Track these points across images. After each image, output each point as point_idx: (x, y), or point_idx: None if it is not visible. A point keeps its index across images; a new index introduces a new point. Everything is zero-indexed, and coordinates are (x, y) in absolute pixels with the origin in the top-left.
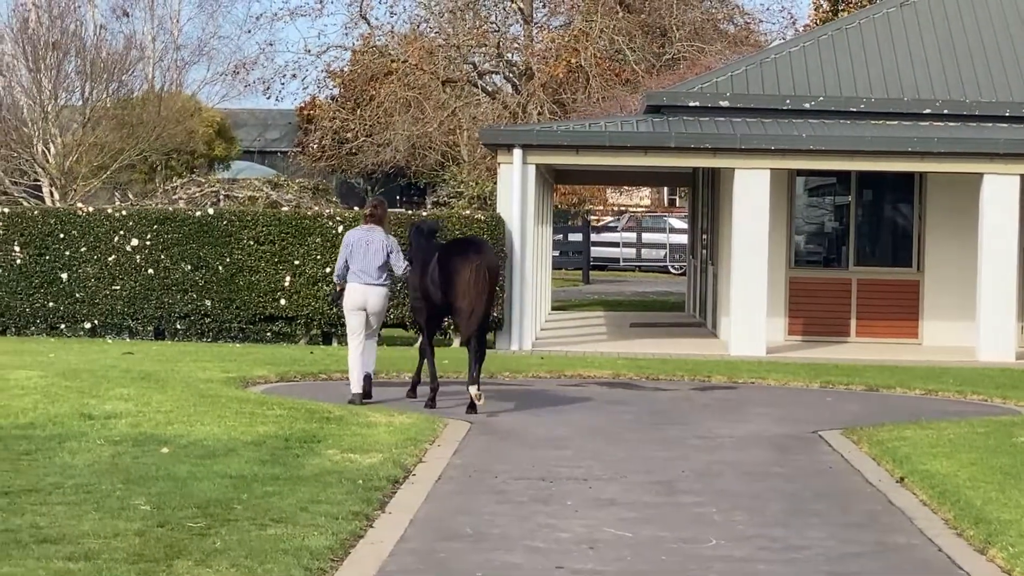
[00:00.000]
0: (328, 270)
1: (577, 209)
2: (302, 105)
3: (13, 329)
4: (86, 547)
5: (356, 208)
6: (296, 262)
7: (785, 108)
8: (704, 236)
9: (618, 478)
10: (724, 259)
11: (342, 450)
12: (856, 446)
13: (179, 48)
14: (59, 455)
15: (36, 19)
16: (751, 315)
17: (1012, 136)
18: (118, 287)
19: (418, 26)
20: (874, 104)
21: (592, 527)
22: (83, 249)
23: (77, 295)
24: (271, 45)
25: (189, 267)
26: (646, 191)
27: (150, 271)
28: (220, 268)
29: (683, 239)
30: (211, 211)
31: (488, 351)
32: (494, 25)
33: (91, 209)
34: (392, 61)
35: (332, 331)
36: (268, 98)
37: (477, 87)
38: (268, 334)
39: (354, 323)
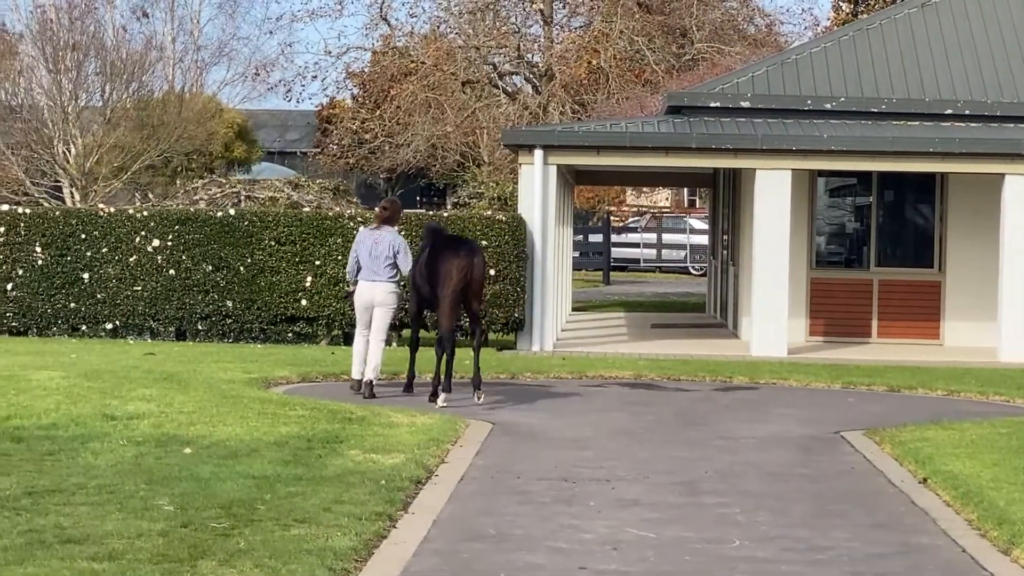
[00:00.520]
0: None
1: (596, 210)
2: (321, 106)
3: (35, 330)
4: (110, 547)
5: (376, 209)
6: (317, 263)
7: (806, 109)
8: (725, 237)
9: (641, 479)
10: (745, 260)
11: (364, 451)
12: (878, 447)
13: (199, 49)
14: (82, 455)
15: (56, 20)
16: (772, 316)
17: None
18: (139, 288)
19: (438, 27)
20: (895, 105)
21: (615, 528)
22: (104, 250)
23: (98, 296)
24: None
25: (210, 268)
26: (666, 192)
27: (171, 272)
28: (241, 269)
29: (703, 240)
30: (232, 212)
31: (509, 352)
32: (514, 26)
33: (113, 210)
34: (412, 62)
35: (353, 332)
36: (289, 101)
37: (497, 88)
38: (289, 335)
39: (362, 319)
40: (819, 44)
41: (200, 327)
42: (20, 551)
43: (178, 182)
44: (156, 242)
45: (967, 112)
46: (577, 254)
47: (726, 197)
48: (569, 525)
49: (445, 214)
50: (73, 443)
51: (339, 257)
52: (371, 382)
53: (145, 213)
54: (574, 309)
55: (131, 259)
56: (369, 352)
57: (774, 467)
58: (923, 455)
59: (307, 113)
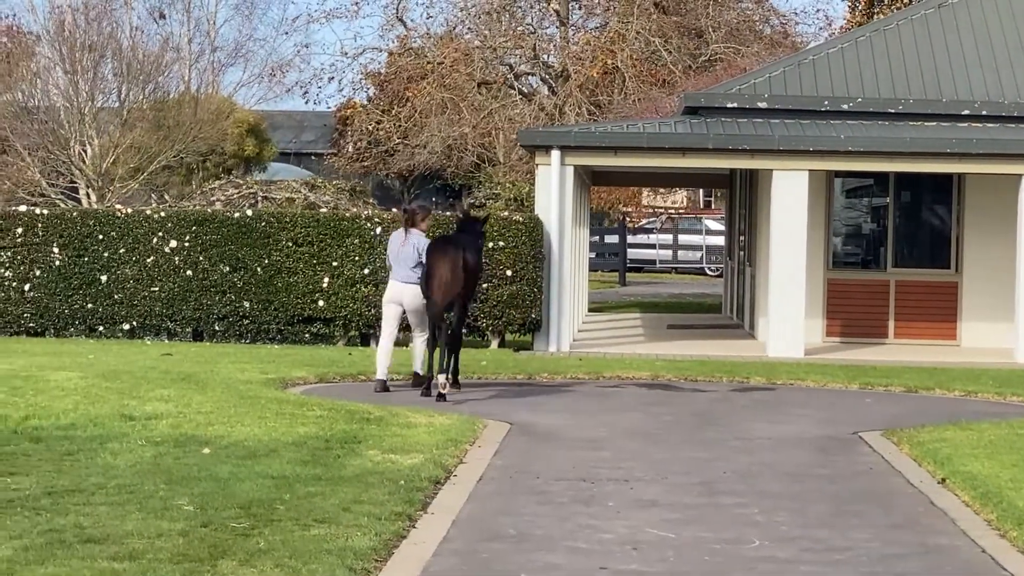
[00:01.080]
0: (366, 271)
1: (610, 210)
2: (339, 107)
3: (52, 330)
4: (130, 547)
5: (393, 209)
6: (334, 263)
7: (823, 109)
8: (742, 238)
9: (659, 479)
10: (762, 260)
11: (383, 451)
12: (896, 447)
13: (215, 50)
14: (101, 456)
15: (72, 22)
16: (789, 316)
17: None
18: (157, 288)
19: (454, 28)
20: (912, 105)
21: (634, 528)
22: (122, 250)
23: (116, 296)
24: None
25: (228, 268)
26: (682, 193)
27: (189, 272)
28: (258, 270)
29: (719, 241)
30: (249, 213)
31: (526, 352)
32: (530, 27)
33: (130, 211)
34: (428, 63)
35: (370, 332)
36: (306, 102)
37: (513, 89)
38: (306, 335)
39: (388, 314)
40: (836, 44)
41: (217, 328)
42: (41, 551)
43: (194, 183)
44: (173, 243)
45: (984, 113)
46: (593, 255)
47: (743, 198)
48: (588, 525)
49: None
50: (92, 443)
51: (356, 258)
52: (415, 373)
53: (162, 214)
54: (590, 310)
55: (148, 260)
56: (411, 347)
57: (792, 467)
58: (941, 455)
59: (323, 115)
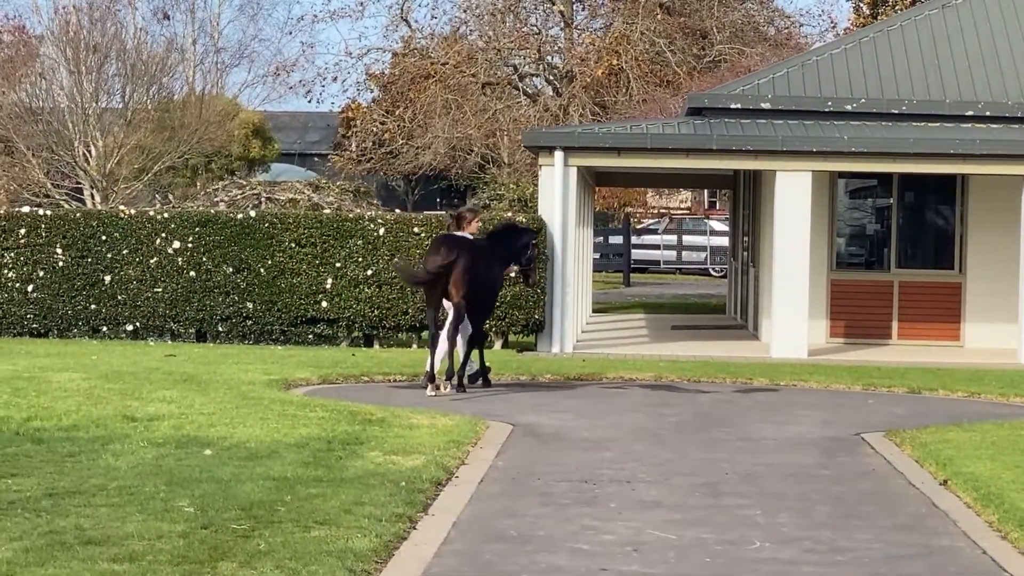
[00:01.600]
0: (369, 272)
1: (615, 211)
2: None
3: (55, 331)
4: (130, 549)
5: (396, 210)
6: (337, 264)
7: (827, 110)
8: (745, 238)
9: (662, 480)
10: (765, 261)
11: (385, 452)
12: (899, 448)
13: (219, 51)
14: (102, 457)
15: (77, 22)
16: (793, 317)
17: None
18: (160, 289)
19: (458, 29)
20: (916, 106)
21: (636, 529)
22: (125, 251)
23: (119, 297)
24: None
25: (231, 269)
26: (686, 193)
27: (192, 273)
28: (262, 270)
29: (724, 242)
30: (253, 214)
31: (530, 353)
32: (535, 28)
33: (133, 211)
34: (432, 63)
35: (374, 333)
36: (309, 102)
37: (518, 90)
38: (310, 336)
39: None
40: (839, 45)
41: (220, 329)
42: (41, 552)
43: (198, 183)
44: (177, 244)
45: (988, 113)
46: (597, 256)
47: (746, 199)
48: (590, 527)
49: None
50: (93, 444)
51: (360, 259)
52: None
53: (166, 215)
54: (594, 311)
55: (152, 261)
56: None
57: (795, 468)
58: (944, 457)
59: (327, 115)
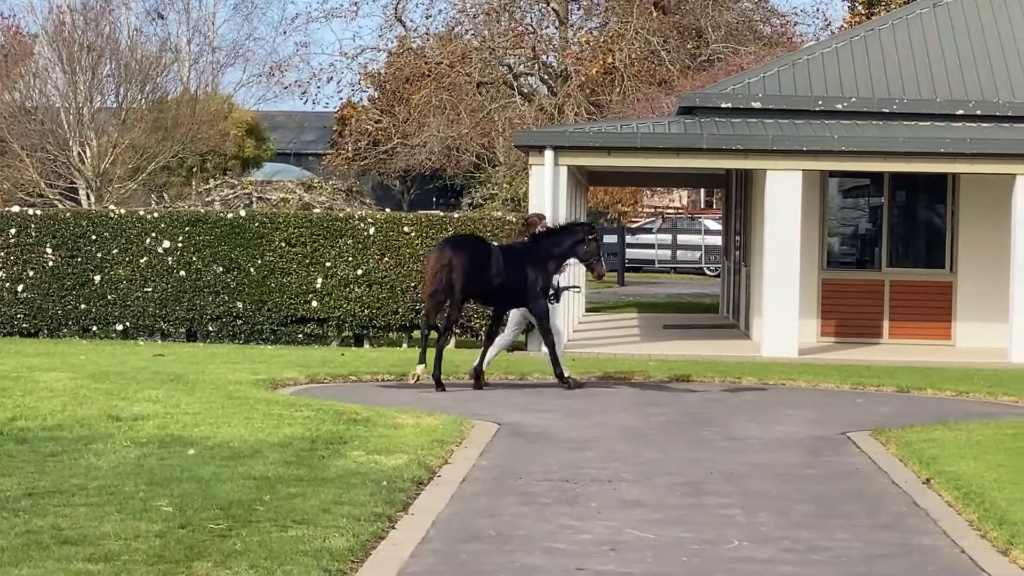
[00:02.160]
0: (359, 272)
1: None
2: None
3: (46, 331)
4: (106, 549)
5: (387, 210)
6: (328, 264)
7: (817, 109)
8: (737, 238)
9: (644, 480)
10: (756, 260)
11: (368, 451)
12: (884, 447)
13: (214, 50)
14: (85, 457)
15: (71, 22)
16: (783, 316)
17: None
18: (150, 289)
19: (453, 28)
20: (906, 105)
21: (615, 529)
22: (115, 251)
23: (109, 297)
24: (306, 47)
25: (221, 269)
26: (684, 193)
27: (182, 273)
28: (252, 270)
29: (718, 241)
30: (243, 213)
31: (520, 353)
32: (529, 27)
33: (123, 211)
34: (427, 63)
35: (364, 333)
36: (305, 103)
37: (513, 89)
38: (300, 336)
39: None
40: (830, 44)
41: (210, 328)
42: (16, 552)
43: (193, 183)
44: (167, 243)
45: (978, 112)
46: None
47: (739, 198)
48: (569, 526)
49: (456, 215)
50: (76, 444)
51: (349, 259)
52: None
53: (155, 214)
54: (588, 310)
55: (142, 260)
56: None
57: (779, 468)
58: (928, 456)
59: (323, 115)
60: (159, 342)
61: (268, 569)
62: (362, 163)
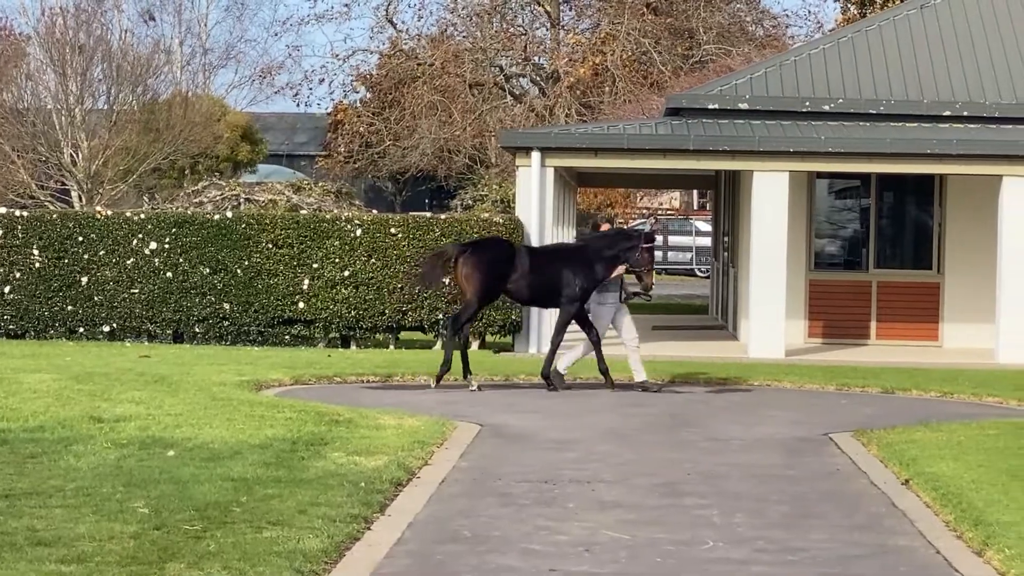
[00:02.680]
0: (346, 273)
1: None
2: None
3: (32, 333)
4: (79, 550)
5: (375, 212)
6: (315, 265)
7: (804, 110)
8: (726, 239)
9: (622, 480)
10: (744, 261)
11: (348, 453)
12: (865, 448)
13: (206, 52)
14: (64, 458)
15: (63, 24)
16: (770, 317)
17: None
18: (137, 290)
19: (445, 30)
20: (894, 106)
21: (591, 530)
22: (102, 253)
23: (96, 298)
24: (298, 49)
25: (208, 270)
26: (676, 194)
27: (169, 274)
28: (239, 271)
29: (709, 242)
30: (229, 215)
31: (506, 354)
32: (521, 28)
33: (110, 213)
34: (419, 65)
35: (351, 334)
36: (297, 104)
37: (504, 90)
38: (287, 337)
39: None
40: (818, 45)
41: (197, 330)
42: None
43: (185, 184)
44: (153, 245)
45: (965, 113)
46: None
47: (727, 199)
48: (545, 527)
49: (443, 217)
50: (57, 446)
51: (336, 260)
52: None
53: (142, 216)
54: None
55: (128, 262)
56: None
57: (759, 469)
58: (908, 457)
59: (315, 116)
60: (146, 343)
61: (241, 570)
62: (355, 165)
